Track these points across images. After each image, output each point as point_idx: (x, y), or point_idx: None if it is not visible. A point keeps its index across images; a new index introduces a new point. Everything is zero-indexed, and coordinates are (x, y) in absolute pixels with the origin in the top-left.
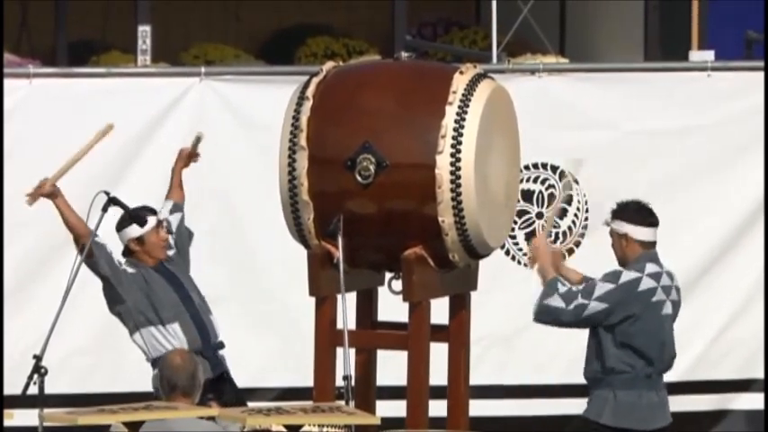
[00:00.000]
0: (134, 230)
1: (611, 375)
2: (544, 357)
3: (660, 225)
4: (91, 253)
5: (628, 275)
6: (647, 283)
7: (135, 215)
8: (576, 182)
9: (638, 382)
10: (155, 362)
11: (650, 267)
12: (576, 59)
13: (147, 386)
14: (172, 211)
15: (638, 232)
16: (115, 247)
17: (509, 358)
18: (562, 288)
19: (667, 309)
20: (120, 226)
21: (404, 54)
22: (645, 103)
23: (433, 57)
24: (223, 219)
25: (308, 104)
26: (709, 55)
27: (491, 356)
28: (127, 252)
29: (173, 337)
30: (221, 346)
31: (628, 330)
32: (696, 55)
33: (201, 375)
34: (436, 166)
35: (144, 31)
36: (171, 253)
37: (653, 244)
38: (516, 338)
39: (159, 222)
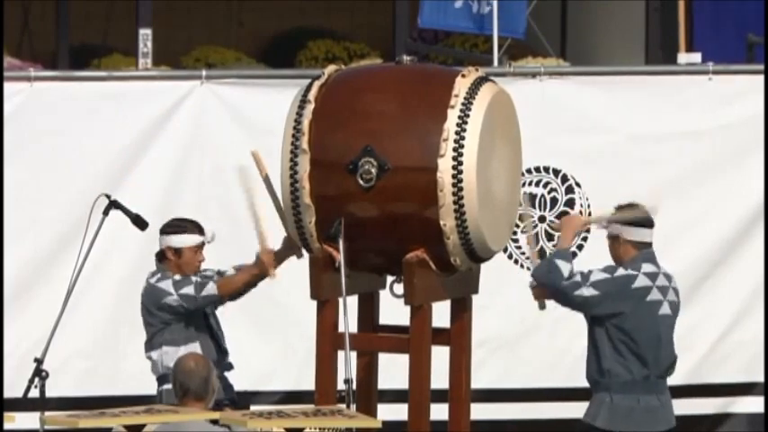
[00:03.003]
0: (176, 240)
1: (608, 378)
2: (547, 361)
3: (662, 228)
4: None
5: (623, 271)
6: (641, 282)
7: (137, 220)
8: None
9: (636, 385)
10: (162, 378)
11: (647, 267)
12: (577, 63)
13: (147, 389)
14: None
15: (631, 233)
16: (121, 248)
17: (511, 362)
18: (571, 265)
19: (665, 309)
20: (164, 230)
21: (405, 57)
22: (646, 106)
23: (434, 60)
24: (224, 222)
25: (309, 108)
26: (696, 57)
27: (493, 360)
28: (161, 256)
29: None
30: (230, 367)
31: (622, 328)
32: (684, 57)
33: (215, 380)
34: (438, 170)
35: (145, 34)
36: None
37: (648, 244)
38: (519, 342)
39: (202, 244)
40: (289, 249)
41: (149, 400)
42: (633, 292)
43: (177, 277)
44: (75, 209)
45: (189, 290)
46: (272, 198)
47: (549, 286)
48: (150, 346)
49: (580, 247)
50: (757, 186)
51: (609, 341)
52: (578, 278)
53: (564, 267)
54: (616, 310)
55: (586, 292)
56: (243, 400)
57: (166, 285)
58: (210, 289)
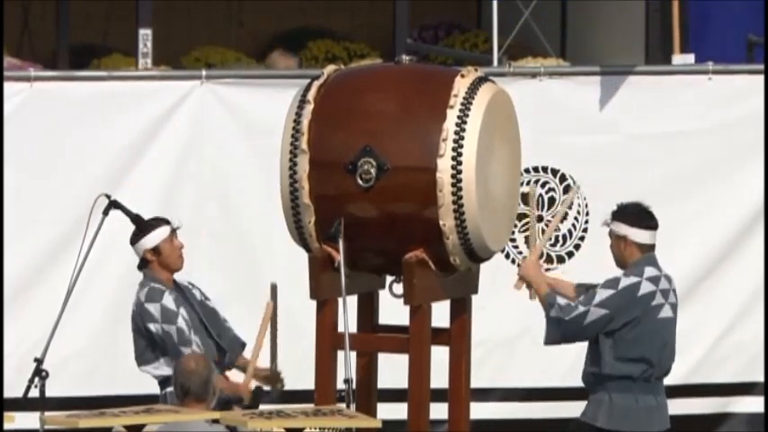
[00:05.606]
0: (148, 241)
1: (607, 378)
2: (545, 360)
3: (661, 228)
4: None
5: (627, 281)
6: (646, 288)
7: (137, 220)
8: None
9: (635, 386)
10: (165, 380)
11: (649, 271)
12: (577, 62)
13: (146, 389)
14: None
15: (638, 235)
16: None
17: (510, 361)
18: (561, 302)
19: (666, 312)
20: (134, 239)
21: (405, 57)
22: (646, 106)
23: (434, 60)
24: (224, 222)
25: (309, 108)
26: (690, 58)
27: (492, 359)
28: (143, 264)
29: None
30: (232, 365)
31: (627, 336)
32: (678, 58)
33: (216, 381)
34: (437, 170)
35: (145, 34)
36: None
37: (652, 247)
38: (517, 342)
39: (173, 231)
40: (270, 381)
41: (149, 399)
42: (639, 299)
43: (167, 303)
44: (75, 209)
45: (171, 330)
46: (272, 330)
47: (562, 336)
48: (154, 355)
49: (577, 247)
50: (757, 186)
51: (612, 347)
52: (580, 308)
53: (557, 313)
54: (628, 319)
55: (595, 313)
56: (254, 398)
57: (155, 310)
58: (185, 353)
